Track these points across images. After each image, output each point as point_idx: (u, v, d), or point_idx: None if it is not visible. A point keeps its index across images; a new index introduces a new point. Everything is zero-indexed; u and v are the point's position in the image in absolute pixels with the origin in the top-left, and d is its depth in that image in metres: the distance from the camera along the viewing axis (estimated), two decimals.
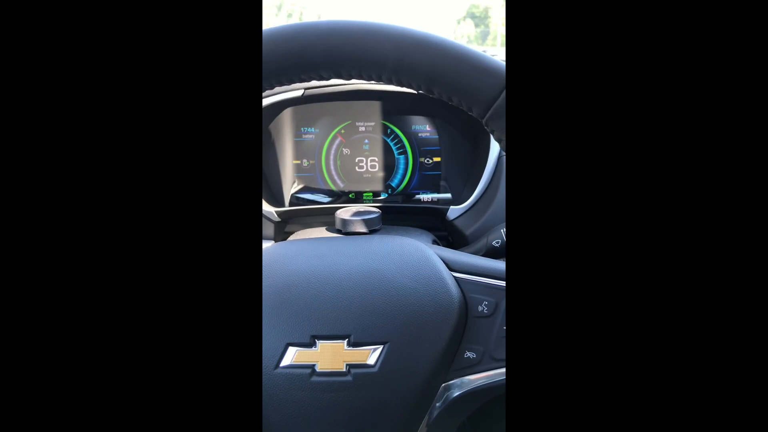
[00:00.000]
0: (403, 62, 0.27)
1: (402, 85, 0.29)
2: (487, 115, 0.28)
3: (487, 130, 0.29)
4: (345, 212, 0.53)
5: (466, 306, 0.33)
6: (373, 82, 0.30)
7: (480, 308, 0.33)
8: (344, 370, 0.31)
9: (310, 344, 0.31)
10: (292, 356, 0.31)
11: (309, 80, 0.29)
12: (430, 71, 0.27)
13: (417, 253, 0.35)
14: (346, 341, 0.31)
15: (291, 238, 0.58)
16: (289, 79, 0.29)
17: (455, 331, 0.32)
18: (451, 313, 0.32)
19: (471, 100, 0.28)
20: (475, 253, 0.49)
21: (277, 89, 0.59)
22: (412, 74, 0.28)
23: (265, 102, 0.60)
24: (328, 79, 0.29)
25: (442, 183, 0.63)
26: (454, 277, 0.33)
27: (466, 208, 0.58)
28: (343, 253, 0.35)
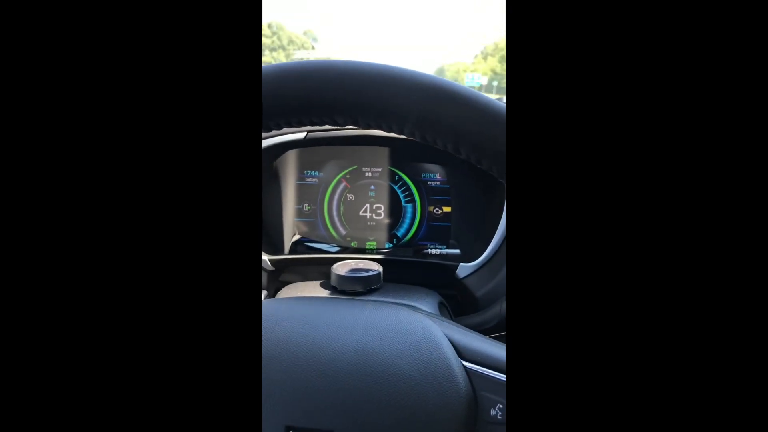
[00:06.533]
0: (429, 118, 0.25)
1: (426, 142, 0.26)
2: None
3: None
4: (342, 267, 0.50)
5: (476, 406, 0.28)
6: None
7: (493, 412, 0.28)
8: None
9: None
10: None
11: (321, 125, 0.27)
12: (458, 130, 0.25)
13: (422, 332, 0.30)
14: None
15: (282, 291, 0.55)
16: (299, 122, 0.27)
17: None
18: (457, 415, 0.27)
19: (503, 166, 0.25)
20: (486, 322, 0.46)
21: (277, 131, 0.58)
22: (437, 131, 0.25)
23: (268, 143, 0.58)
24: (343, 125, 0.27)
25: (452, 235, 0.61)
26: (464, 366, 0.29)
27: (478, 266, 0.55)
28: (336, 323, 0.31)
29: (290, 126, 0.27)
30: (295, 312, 0.33)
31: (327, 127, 0.60)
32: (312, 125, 0.27)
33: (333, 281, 0.50)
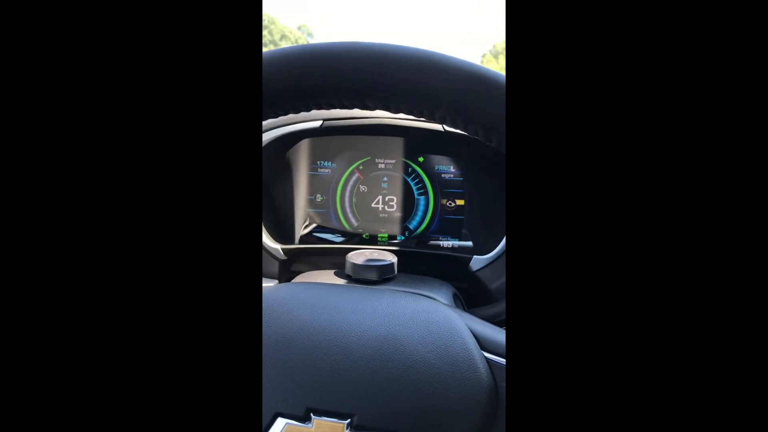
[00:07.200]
0: (461, 104, 0.24)
1: (456, 127, 0.26)
2: None
3: None
4: (357, 257, 0.50)
5: (497, 396, 0.28)
6: (401, 116, 0.27)
7: None
8: None
9: (304, 418, 0.27)
10: (280, 430, 0.27)
11: (351, 107, 0.27)
12: (490, 117, 0.24)
13: (444, 322, 0.30)
14: (347, 423, 0.27)
15: (295, 280, 0.55)
16: (329, 104, 0.26)
17: (481, 429, 0.27)
18: (479, 404, 0.27)
19: None
20: (499, 314, 0.47)
21: (293, 118, 0.58)
22: (468, 118, 0.25)
23: (282, 132, 0.58)
24: (373, 108, 0.26)
25: (464, 228, 0.61)
26: (485, 357, 0.29)
27: (492, 259, 0.55)
28: (358, 309, 0.31)
29: (320, 108, 0.27)
30: (317, 296, 0.33)
31: (342, 114, 0.60)
32: (341, 107, 0.27)
33: (348, 270, 0.50)
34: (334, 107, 0.27)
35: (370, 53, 0.25)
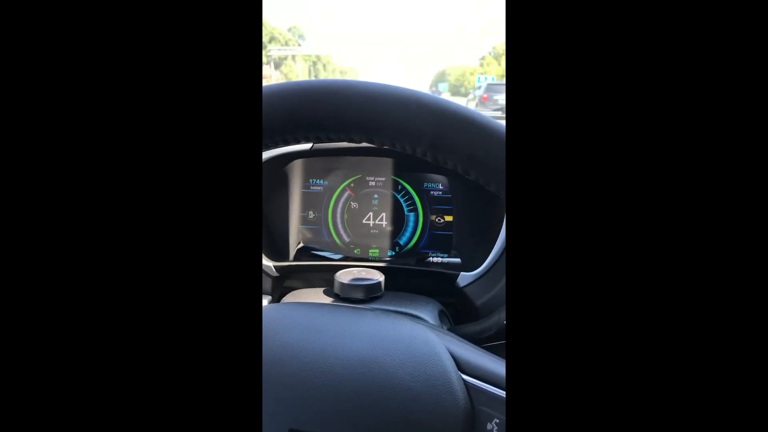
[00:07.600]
0: (441, 140, 0.26)
1: (437, 163, 0.28)
2: None
3: None
4: (344, 276, 0.52)
5: (473, 420, 0.29)
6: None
7: (489, 426, 0.29)
8: None
9: None
10: None
11: (338, 141, 0.28)
12: (469, 153, 0.26)
13: (425, 345, 0.32)
14: None
15: (286, 297, 0.57)
16: (317, 138, 0.28)
17: None
18: (455, 427, 0.28)
19: None
20: (486, 330, 0.48)
21: None
22: (448, 153, 0.27)
23: (274, 153, 0.60)
24: (359, 142, 0.28)
25: (453, 245, 0.62)
26: (463, 380, 0.30)
27: (478, 275, 0.57)
28: (343, 332, 0.33)
29: (308, 141, 0.29)
30: (303, 318, 0.35)
31: None
32: (329, 141, 0.29)
33: (336, 289, 0.51)
34: (322, 141, 0.29)
35: (357, 93, 0.27)
